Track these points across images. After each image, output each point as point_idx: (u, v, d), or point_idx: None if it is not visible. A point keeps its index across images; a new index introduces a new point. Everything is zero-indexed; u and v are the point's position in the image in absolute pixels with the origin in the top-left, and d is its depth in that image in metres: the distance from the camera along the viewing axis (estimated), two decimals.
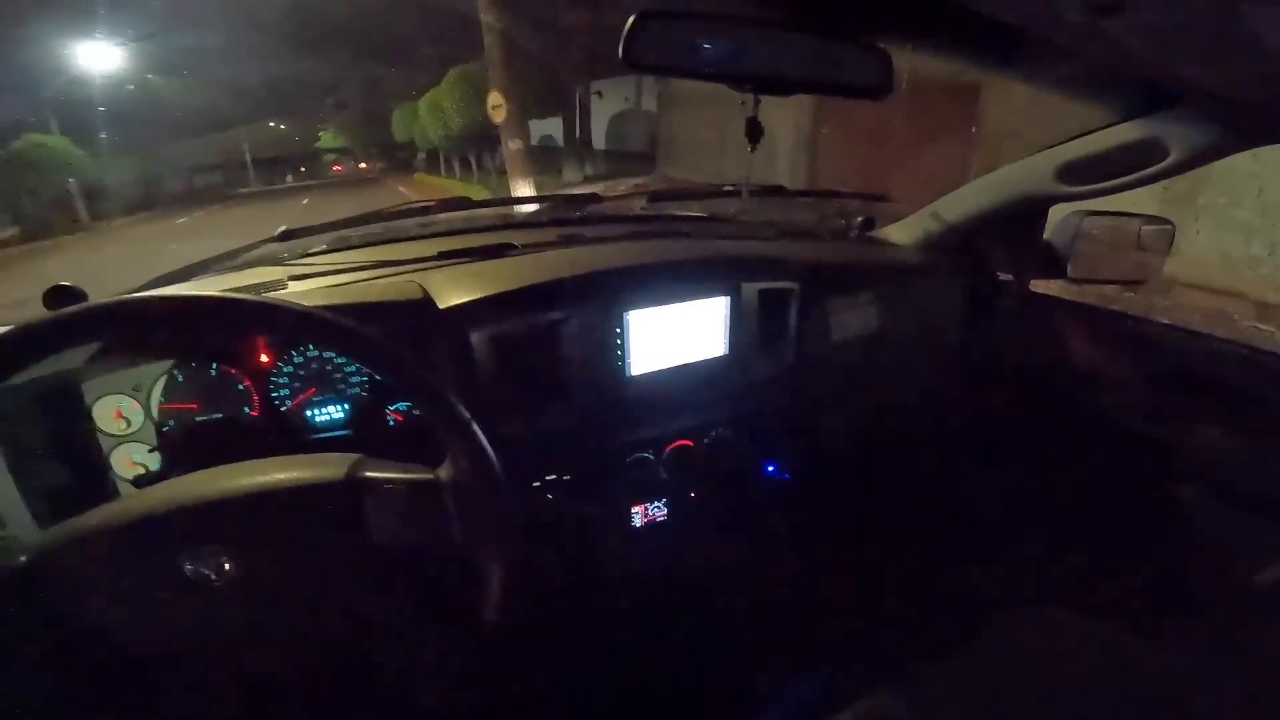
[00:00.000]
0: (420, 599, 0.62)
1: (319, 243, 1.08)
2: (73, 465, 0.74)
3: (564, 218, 1.29)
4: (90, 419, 0.74)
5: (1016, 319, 1.34)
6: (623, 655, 1.08)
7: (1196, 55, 0.66)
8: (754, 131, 0.76)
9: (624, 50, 0.62)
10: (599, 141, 14.88)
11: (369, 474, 0.54)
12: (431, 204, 1.15)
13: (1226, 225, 4.23)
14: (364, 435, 0.84)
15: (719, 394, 1.04)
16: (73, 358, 0.71)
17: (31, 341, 0.46)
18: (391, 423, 0.86)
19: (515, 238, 1.06)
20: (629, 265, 0.94)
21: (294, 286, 0.88)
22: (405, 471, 0.55)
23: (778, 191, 1.46)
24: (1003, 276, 1.33)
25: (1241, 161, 4.07)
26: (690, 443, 1.01)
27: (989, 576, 1.21)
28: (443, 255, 0.97)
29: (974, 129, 5.96)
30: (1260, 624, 0.92)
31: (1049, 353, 1.32)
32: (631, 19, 0.62)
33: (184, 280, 0.99)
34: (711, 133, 9.45)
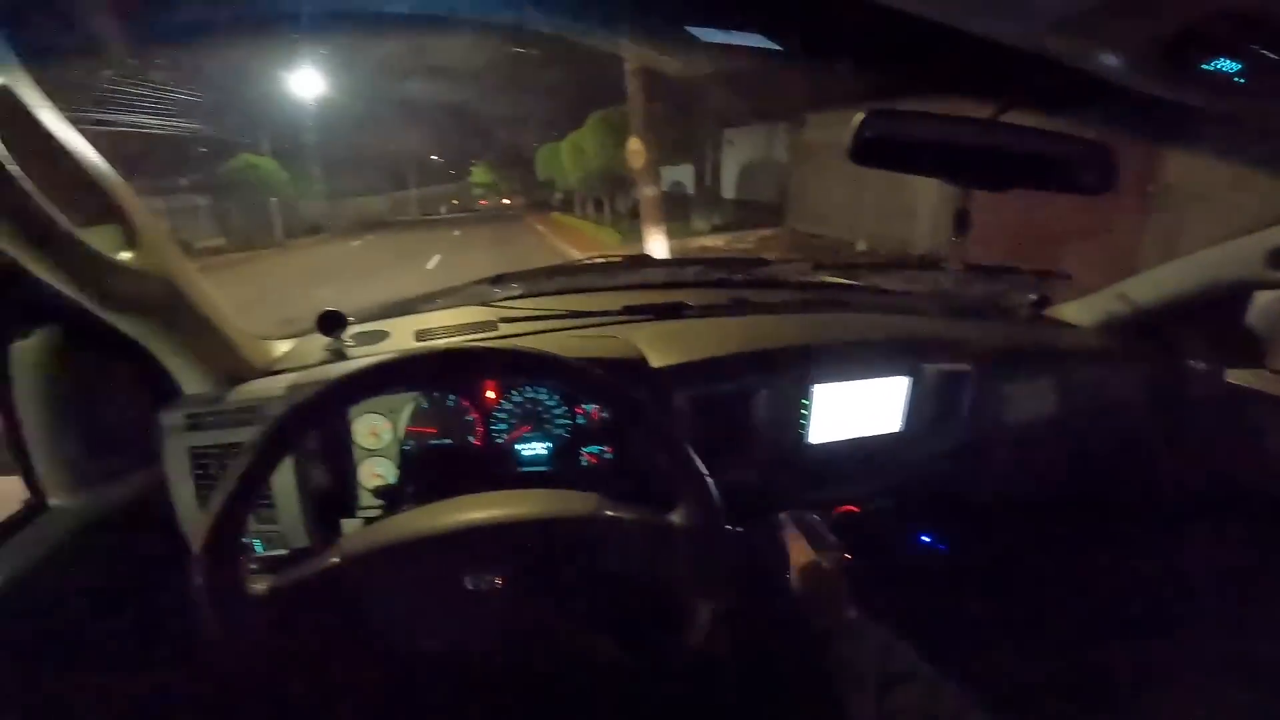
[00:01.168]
0: (635, 621, 0.69)
1: (518, 286, 1.22)
2: (332, 473, 0.88)
3: (729, 280, 1.36)
4: (351, 434, 0.88)
5: (1209, 411, 1.24)
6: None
7: None
8: (962, 223, 0.78)
9: (851, 145, 0.67)
10: (728, 190, 15.05)
11: (611, 513, 0.62)
12: (616, 259, 1.27)
13: None
14: (561, 472, 0.93)
15: (888, 466, 1.08)
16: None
17: (373, 379, 0.58)
18: (584, 463, 0.95)
19: (688, 297, 1.14)
20: (821, 343, 1.01)
21: (505, 329, 1.01)
22: (642, 514, 0.63)
23: (934, 265, 1.44)
24: (1194, 365, 1.24)
25: None
26: (856, 508, 1.05)
27: (1155, 665, 1.14)
28: (626, 310, 1.08)
29: (1151, 188, 5.46)
30: None
31: (1244, 450, 1.22)
32: (859, 117, 0.67)
33: (411, 309, 1.16)
34: (845, 188, 9.20)
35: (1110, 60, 0.48)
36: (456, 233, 19.06)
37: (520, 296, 1.17)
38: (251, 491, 0.55)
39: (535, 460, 0.94)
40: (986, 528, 1.21)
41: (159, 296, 0.72)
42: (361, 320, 1.09)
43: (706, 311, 1.13)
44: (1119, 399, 1.25)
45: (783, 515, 0.86)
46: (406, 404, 0.90)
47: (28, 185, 0.52)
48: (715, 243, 10.86)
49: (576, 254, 11.06)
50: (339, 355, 0.97)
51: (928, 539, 1.17)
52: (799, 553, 0.77)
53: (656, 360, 0.91)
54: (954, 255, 0.95)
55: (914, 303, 1.36)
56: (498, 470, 0.92)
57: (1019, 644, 1.19)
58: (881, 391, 1.03)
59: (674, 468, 0.62)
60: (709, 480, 0.61)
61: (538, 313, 1.06)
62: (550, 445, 0.94)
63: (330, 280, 9.43)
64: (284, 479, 0.82)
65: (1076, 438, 1.22)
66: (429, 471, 0.89)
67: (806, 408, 0.99)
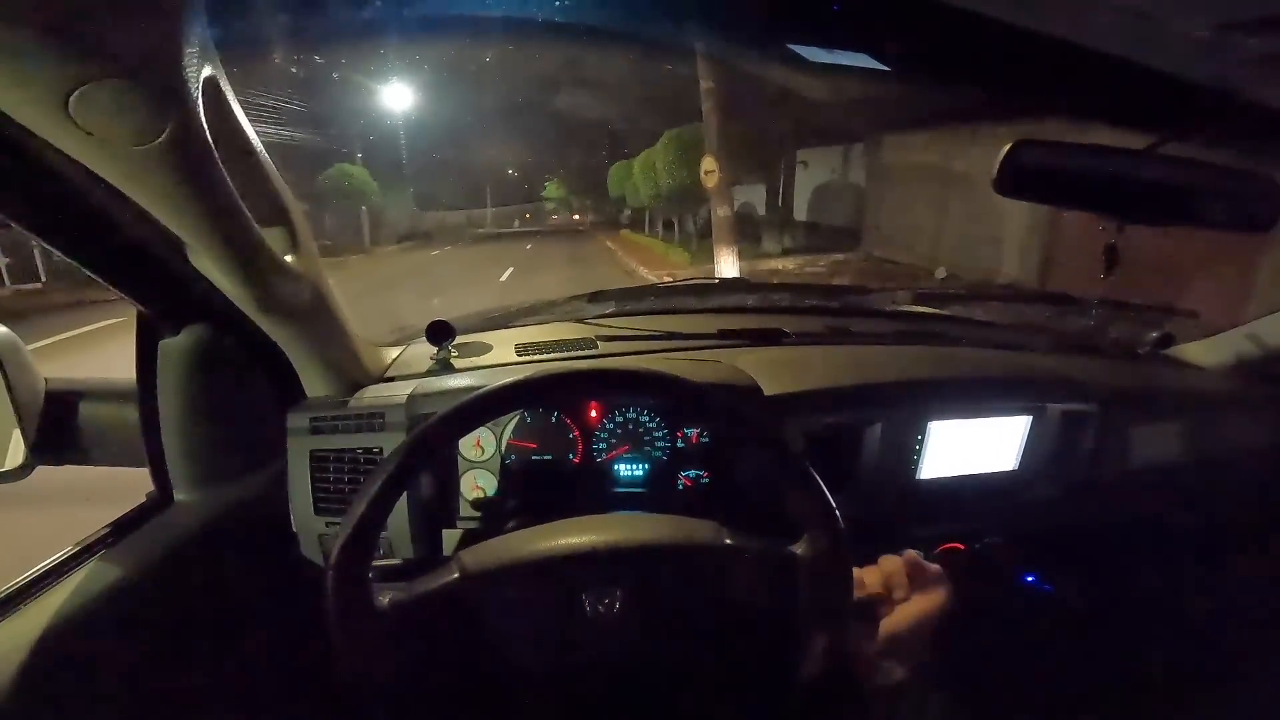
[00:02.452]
0: (752, 650, 0.68)
1: (613, 304, 1.23)
2: (437, 483, 0.90)
3: (825, 307, 1.34)
4: (456, 445, 0.89)
5: None
6: None
7: None
8: (1112, 259, 0.74)
9: (997, 175, 0.65)
10: (800, 212, 14.80)
11: (733, 542, 0.61)
12: (710, 281, 1.27)
13: None
14: (657, 494, 0.92)
15: (1000, 506, 1.04)
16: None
17: (513, 396, 0.60)
18: (680, 486, 0.93)
19: (784, 324, 1.12)
20: (937, 378, 0.98)
21: (603, 347, 1.02)
22: (765, 544, 0.62)
23: (1057, 299, 1.36)
24: None
25: None
26: (961, 546, 1.02)
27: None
28: (722, 334, 1.07)
29: None
30: None
31: None
32: (1007, 147, 0.64)
33: (509, 322, 1.19)
34: (927, 213, 8.94)
35: None
36: (528, 246, 19.67)
37: (614, 315, 1.18)
38: (387, 504, 0.55)
39: (632, 481, 0.93)
40: (1096, 571, 1.16)
41: (307, 301, 0.75)
42: (462, 330, 1.11)
43: (804, 339, 1.11)
44: (1248, 446, 1.17)
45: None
46: (511, 418, 0.91)
47: (230, 183, 0.54)
48: (787, 265, 10.71)
49: (645, 271, 11.17)
50: (447, 366, 1.00)
51: (1032, 579, 1.14)
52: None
53: (768, 388, 0.90)
54: (1099, 292, 0.89)
55: (1022, 337, 1.29)
56: (594, 488, 0.92)
57: (1106, 694, 1.14)
58: (1000, 430, 0.99)
59: (803, 498, 0.60)
60: (837, 512, 0.60)
61: (633, 332, 1.06)
62: (648, 466, 0.93)
63: (412, 288, 9.94)
64: None
65: (1200, 483, 1.16)
66: (528, 486, 0.90)
67: (920, 443, 0.96)
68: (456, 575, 0.56)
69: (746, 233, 13.05)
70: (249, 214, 0.58)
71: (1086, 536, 1.13)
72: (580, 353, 1.03)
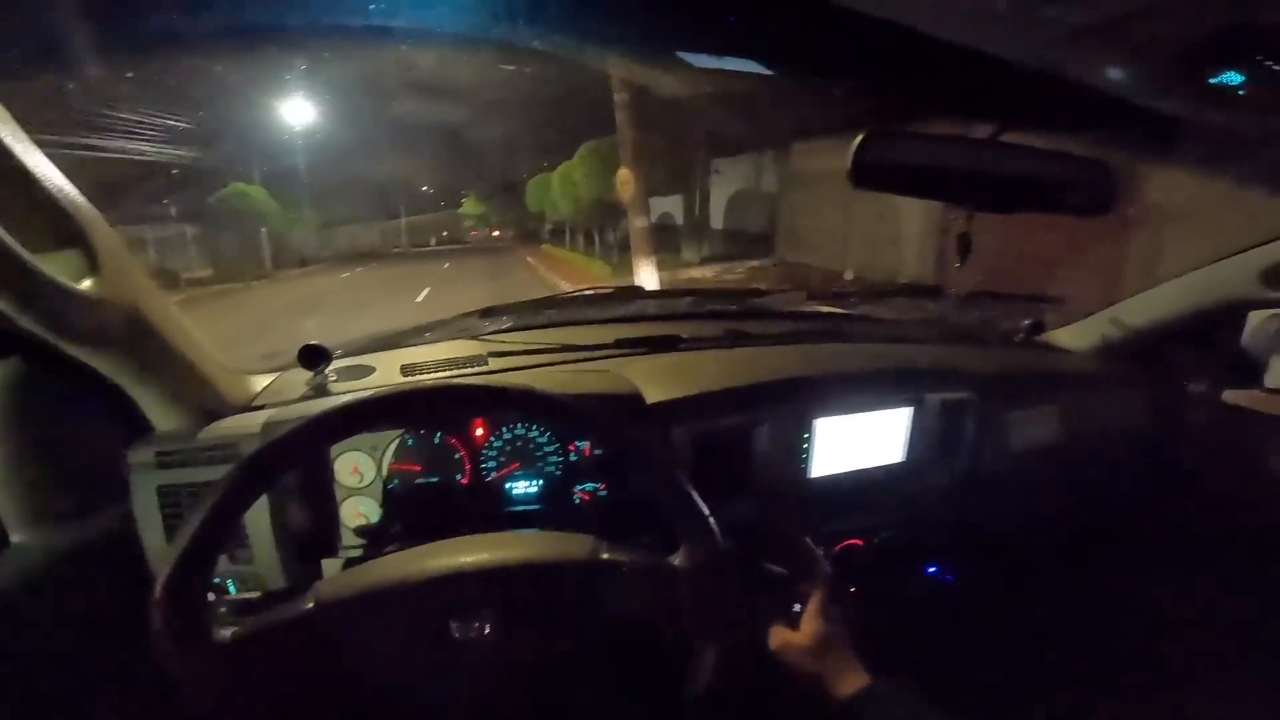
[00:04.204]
0: (638, 665, 0.67)
1: (508, 319, 1.19)
2: (312, 511, 0.84)
3: (723, 311, 1.35)
4: (332, 473, 0.84)
5: (1207, 433, 1.25)
6: None
7: None
8: (965, 247, 0.76)
9: (850, 168, 0.65)
10: (717, 220, 15.18)
11: (609, 555, 0.59)
12: (608, 290, 1.25)
13: None
14: (553, 511, 0.90)
15: (893, 498, 1.06)
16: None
17: (357, 416, 0.56)
18: (578, 501, 0.91)
19: (681, 330, 1.12)
20: (822, 374, 0.99)
21: (494, 363, 0.98)
22: (642, 556, 0.61)
23: (934, 293, 1.42)
24: (1191, 386, 1.25)
25: None
26: (860, 542, 1.03)
27: (1158, 699, 1.14)
28: (619, 343, 1.05)
29: (1129, 209, 5.56)
30: None
31: (1243, 470, 1.22)
32: (858, 139, 0.65)
33: (398, 343, 1.13)
34: (835, 217, 9.35)
35: (1118, 74, 0.47)
36: (446, 265, 19.14)
37: (510, 330, 1.15)
38: (218, 532, 0.52)
39: (526, 499, 0.90)
40: (993, 559, 1.20)
41: (121, 327, 0.68)
42: (347, 354, 1.06)
43: (701, 344, 1.11)
44: (1119, 424, 1.25)
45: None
46: (390, 441, 0.86)
47: None
48: (705, 274, 10.96)
49: (567, 285, 11.11)
50: (322, 391, 0.94)
51: (934, 570, 1.16)
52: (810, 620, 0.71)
53: (653, 395, 0.88)
54: (956, 280, 0.93)
55: (909, 331, 1.35)
56: (487, 509, 0.88)
57: (1020, 681, 1.17)
58: (884, 423, 1.01)
59: (676, 508, 0.60)
60: (712, 520, 0.59)
61: (528, 346, 1.03)
62: (541, 483, 0.91)
63: (319, 312, 9.39)
64: (259, 517, 0.79)
65: (1079, 464, 1.22)
66: (414, 510, 0.86)
67: (808, 441, 0.97)
68: (311, 605, 0.53)
69: (666, 242, 13.24)
70: (11, 238, 0.52)
71: (981, 524, 1.17)
72: (468, 370, 0.99)
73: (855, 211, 8.85)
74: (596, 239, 16.80)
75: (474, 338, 1.11)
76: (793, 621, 0.71)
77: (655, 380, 0.91)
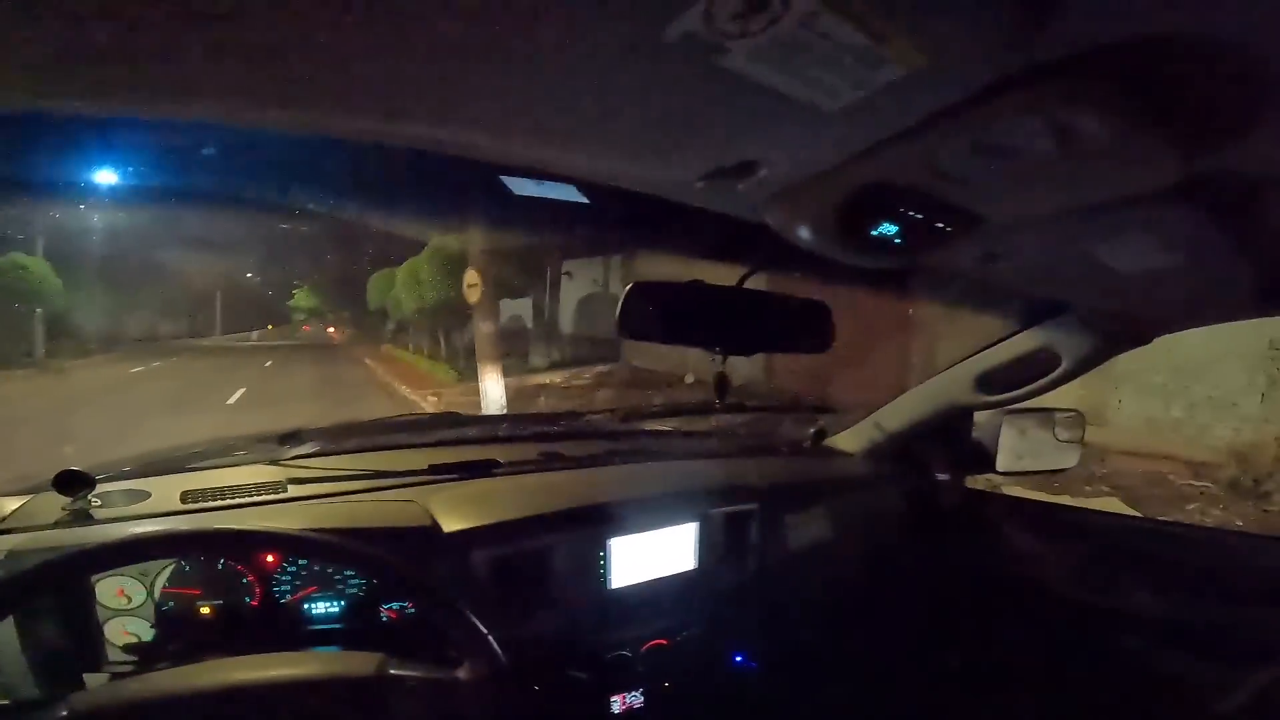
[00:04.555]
0: None
1: (314, 444, 1.16)
2: (68, 628, 0.77)
3: (543, 433, 1.42)
4: (93, 595, 0.78)
5: (955, 515, 1.48)
6: None
7: (1066, 281, 0.86)
8: (722, 389, 0.92)
9: (619, 319, 0.77)
10: (566, 324, 15.46)
11: (394, 671, 0.62)
12: (421, 417, 1.28)
13: (1145, 391, 4.64)
14: (357, 630, 0.88)
15: (690, 600, 1.14)
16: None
17: (77, 566, 0.54)
18: (385, 619, 0.90)
19: (499, 454, 1.17)
20: (611, 500, 1.08)
21: (294, 490, 0.95)
22: (428, 671, 0.64)
23: (735, 409, 1.61)
24: (940, 476, 1.48)
25: None
26: (665, 641, 1.09)
27: None
28: (433, 469, 1.07)
29: (911, 311, 6.52)
30: None
31: (987, 540, 1.46)
32: (626, 290, 0.78)
33: (179, 464, 1.04)
34: None
35: (804, 233, 0.61)
36: (268, 363, 17.20)
37: (315, 455, 1.11)
38: None
39: (325, 619, 0.88)
40: (790, 643, 1.30)
41: None
42: (123, 476, 0.97)
43: (517, 468, 1.15)
44: (882, 513, 1.46)
45: None
46: (164, 567, 0.81)
47: None
48: (554, 379, 11.03)
49: (408, 391, 10.57)
50: (83, 516, 0.85)
51: (739, 659, 1.24)
52: None
53: (452, 525, 0.92)
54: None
55: (711, 445, 1.51)
56: (281, 630, 0.84)
57: None
58: (674, 537, 1.11)
59: (452, 628, 0.64)
60: (489, 637, 0.64)
61: (332, 473, 1.01)
62: (343, 603, 0.89)
63: (98, 416, 7.83)
64: (4, 632, 0.70)
65: (851, 553, 1.37)
66: (195, 629, 0.81)
67: (604, 558, 1.03)
68: (63, 714, 0.52)
69: (515, 346, 13.19)
70: None
71: (773, 615, 1.27)
72: (259, 499, 0.93)
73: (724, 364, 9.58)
74: (443, 341, 16.29)
75: (274, 462, 1.05)
76: None
77: (458, 508, 0.95)
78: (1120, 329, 1.07)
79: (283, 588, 0.86)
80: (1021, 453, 1.35)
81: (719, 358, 0.88)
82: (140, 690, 0.55)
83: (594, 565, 1.03)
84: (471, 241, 8.73)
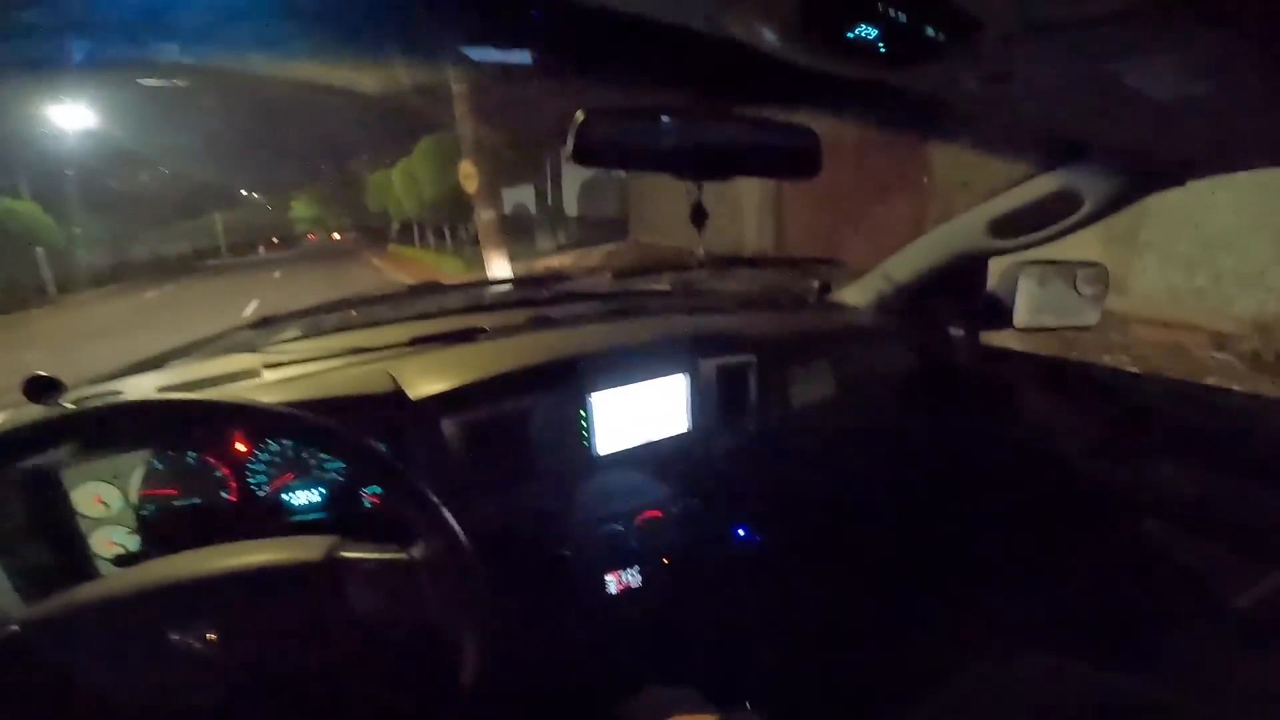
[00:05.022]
0: (402, 667, 0.66)
1: (294, 328, 1.11)
2: (54, 545, 0.76)
3: (532, 298, 1.32)
4: (70, 504, 0.76)
5: (969, 373, 1.38)
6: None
7: (1088, 111, 0.74)
8: (699, 216, 0.82)
9: (573, 147, 0.68)
10: (571, 208, 15.13)
11: (346, 554, 0.58)
12: (402, 290, 1.20)
13: (1170, 260, 4.46)
14: (340, 517, 0.86)
15: (685, 467, 1.07)
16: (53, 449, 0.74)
17: (11, 444, 0.54)
18: (368, 505, 0.87)
19: (485, 321, 1.09)
20: (588, 351, 0.99)
21: (269, 375, 0.91)
22: (380, 552, 0.60)
23: (736, 263, 1.50)
24: (953, 332, 1.38)
25: (1175, 197, 4.38)
26: (659, 513, 1.03)
27: (962, 624, 1.22)
28: (415, 341, 1.00)
29: (925, 179, 6.27)
30: (1224, 649, 0.96)
31: (1003, 403, 1.36)
32: (578, 116, 0.68)
33: (161, 366, 1.01)
34: (681, 198, 9.68)
35: (769, 36, 0.51)
36: (277, 274, 17.16)
37: (296, 339, 1.07)
38: None
39: (307, 509, 0.85)
40: (796, 514, 1.24)
41: None
42: (102, 379, 0.93)
43: (504, 333, 1.08)
44: (890, 371, 1.35)
45: None
46: (135, 466, 0.78)
47: None
48: (562, 261, 10.91)
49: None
50: None
51: (741, 532, 1.17)
52: None
53: (420, 390, 0.86)
54: (697, 246, 0.98)
55: (709, 301, 1.40)
56: (263, 524, 0.82)
57: (835, 631, 1.24)
58: (662, 393, 1.02)
59: (405, 503, 0.60)
60: (444, 510, 0.60)
61: (311, 354, 0.96)
62: (324, 490, 0.86)
63: (116, 341, 8.02)
64: None
65: (856, 413, 1.28)
66: (180, 533, 0.77)
67: (587, 418, 0.96)
68: (15, 628, 0.52)
69: (521, 232, 12.96)
70: None
71: (777, 482, 1.20)
72: (235, 384, 0.90)
73: (701, 192, 9.23)
74: (448, 235, 16.06)
75: (253, 350, 1.01)
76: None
77: (427, 374, 0.89)
78: (1150, 169, 0.92)
79: (258, 478, 0.84)
80: (1041, 307, 1.22)
81: (694, 188, 0.79)
82: (86, 594, 0.54)
83: (576, 428, 0.96)
84: (464, 135, 8.49)
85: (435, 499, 0.59)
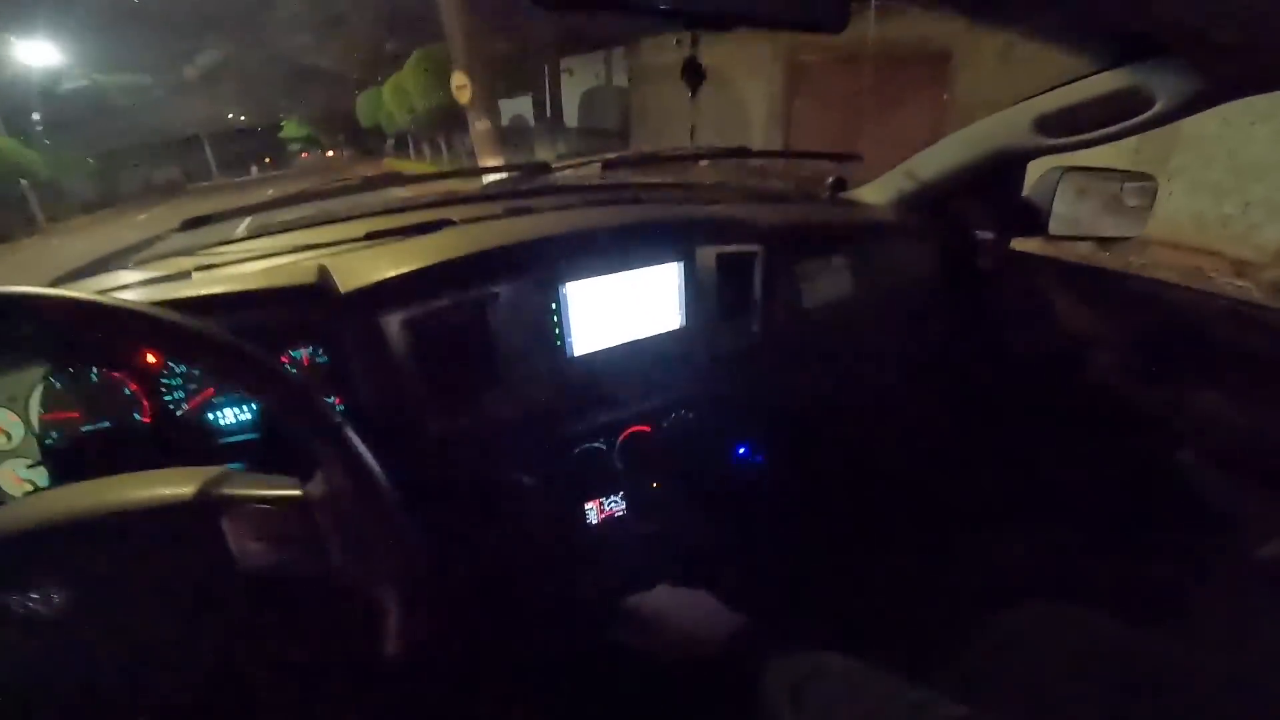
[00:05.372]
0: (306, 635, 0.55)
1: (238, 229, 0.98)
2: None
3: (512, 191, 1.17)
4: None
5: (997, 279, 1.26)
6: (588, 669, 0.95)
7: None
8: (693, 73, 0.67)
9: None
10: (570, 119, 14.57)
11: (227, 491, 0.46)
12: (354, 181, 1.04)
13: (1199, 187, 4.33)
14: (279, 436, 0.74)
15: (678, 373, 0.93)
16: None
17: None
18: None
19: (455, 214, 0.95)
20: (560, 232, 0.83)
21: (199, 277, 0.78)
22: (269, 487, 0.47)
23: (740, 153, 1.34)
24: (981, 235, 1.25)
25: (1210, 126, 4.16)
26: (647, 428, 0.90)
27: (979, 560, 1.14)
28: (370, 236, 0.87)
29: (945, 96, 5.93)
30: (1261, 607, 0.86)
31: (1032, 313, 1.25)
32: None
33: (92, 274, 0.89)
34: (684, 107, 9.23)
35: None
36: (270, 192, 16.75)
37: (242, 239, 0.94)
38: None
39: (237, 428, 0.74)
40: (804, 432, 1.12)
41: None
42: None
43: (474, 224, 0.94)
44: (911, 272, 1.24)
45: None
46: (32, 388, 0.68)
47: None
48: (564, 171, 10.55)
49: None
50: None
51: (743, 452, 1.04)
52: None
53: (351, 281, 0.71)
54: (693, 119, 0.83)
55: (709, 193, 1.27)
56: (185, 447, 0.72)
57: (847, 568, 1.13)
58: (650, 283, 0.87)
59: (296, 419, 0.46)
60: (348, 431, 0.46)
61: (249, 254, 0.84)
62: (254, 405, 0.75)
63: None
64: None
65: (874, 316, 1.17)
66: (90, 464, 0.67)
67: (559, 312, 0.82)
68: None
69: (520, 144, 12.51)
70: None
71: (783, 394, 1.08)
72: (160, 287, 0.78)
73: (704, 101, 8.79)
74: (444, 147, 15.53)
75: (190, 254, 0.89)
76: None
77: (363, 264, 0.74)
78: (1236, 71, 0.75)
79: (175, 395, 0.72)
80: (1080, 215, 1.12)
81: (687, 40, 0.64)
82: None
83: (546, 324, 0.81)
84: (454, 44, 8.19)
85: (336, 416, 0.46)
